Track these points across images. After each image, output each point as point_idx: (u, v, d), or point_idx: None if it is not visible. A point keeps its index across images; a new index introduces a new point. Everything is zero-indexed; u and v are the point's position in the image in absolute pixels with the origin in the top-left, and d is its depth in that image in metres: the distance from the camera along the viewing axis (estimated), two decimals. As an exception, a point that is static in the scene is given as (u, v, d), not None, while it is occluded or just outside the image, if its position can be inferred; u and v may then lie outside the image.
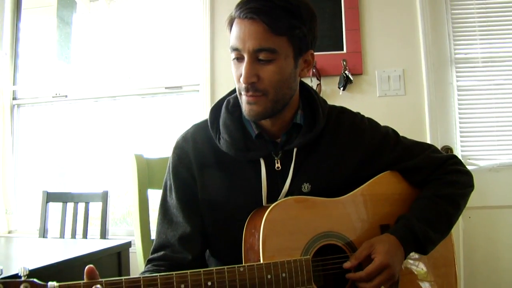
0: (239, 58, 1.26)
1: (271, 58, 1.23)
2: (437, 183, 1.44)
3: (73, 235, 2.91)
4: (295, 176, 1.35)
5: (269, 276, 1.13)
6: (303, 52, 1.30)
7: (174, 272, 1.04)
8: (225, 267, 1.09)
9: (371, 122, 1.51)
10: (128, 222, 3.53)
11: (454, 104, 2.95)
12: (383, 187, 1.43)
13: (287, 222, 1.24)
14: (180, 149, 1.42)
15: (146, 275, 1.04)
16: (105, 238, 2.80)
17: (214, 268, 1.08)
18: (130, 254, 2.31)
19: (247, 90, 1.25)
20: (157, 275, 1.02)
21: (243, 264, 1.19)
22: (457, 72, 2.97)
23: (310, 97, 1.45)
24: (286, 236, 1.22)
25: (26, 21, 3.77)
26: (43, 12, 3.87)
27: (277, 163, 1.36)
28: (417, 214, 1.36)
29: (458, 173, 1.47)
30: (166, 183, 1.44)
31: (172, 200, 1.40)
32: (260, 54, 1.22)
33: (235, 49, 1.25)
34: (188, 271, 1.05)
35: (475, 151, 2.92)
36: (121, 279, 1.00)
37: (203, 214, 1.39)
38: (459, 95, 2.95)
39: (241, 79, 1.24)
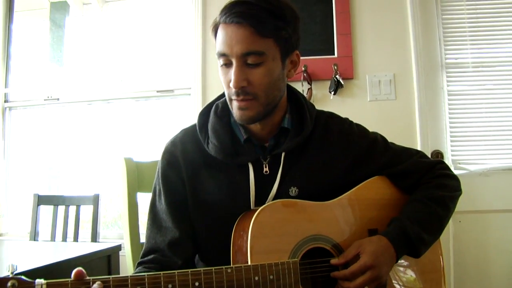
0: (227, 64, 1.26)
1: (260, 61, 1.24)
2: (426, 186, 1.45)
3: (64, 238, 2.90)
4: (283, 180, 1.36)
5: (256, 278, 1.13)
6: (289, 53, 1.32)
7: (161, 272, 1.04)
8: (213, 268, 1.09)
9: (360, 128, 1.52)
10: (119, 225, 3.53)
11: (445, 109, 2.96)
12: (372, 192, 1.44)
13: (276, 225, 1.24)
14: (169, 154, 1.42)
15: (134, 274, 1.04)
16: (96, 241, 2.79)
17: (202, 269, 1.08)
18: (120, 257, 2.31)
19: (237, 95, 1.26)
20: (144, 275, 1.02)
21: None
22: (447, 76, 2.99)
23: (298, 101, 1.46)
24: (274, 238, 1.23)
25: (19, 23, 3.76)
26: (36, 15, 3.86)
27: (265, 167, 1.37)
28: (410, 216, 1.36)
29: (446, 177, 1.48)
30: (155, 187, 1.45)
31: (161, 205, 1.40)
32: (248, 58, 1.23)
33: (222, 55, 1.26)
34: (176, 271, 1.05)
35: (465, 155, 2.94)
36: (109, 278, 1.00)
37: (192, 219, 1.39)
38: (449, 99, 2.97)
39: (231, 84, 1.24)
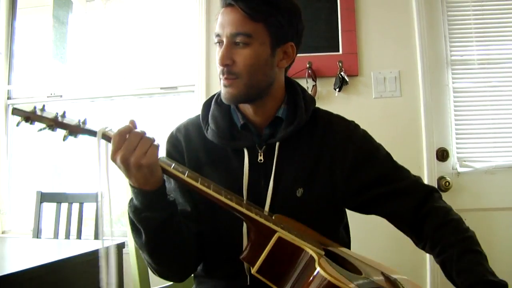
0: (220, 43, 1.35)
1: (247, 42, 1.31)
2: (449, 227, 1.35)
3: (67, 236, 2.90)
4: (278, 172, 1.37)
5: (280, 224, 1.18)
6: (281, 42, 1.37)
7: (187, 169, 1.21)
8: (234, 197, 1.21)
9: (365, 133, 1.53)
10: (123, 222, 3.51)
11: (450, 106, 2.95)
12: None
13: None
14: (174, 138, 1.52)
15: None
16: (99, 239, 2.78)
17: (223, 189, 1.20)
18: (124, 255, 2.29)
19: (223, 73, 1.34)
20: (173, 162, 1.22)
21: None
22: (453, 74, 2.97)
23: (295, 93, 1.49)
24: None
25: (22, 20, 3.75)
26: (39, 12, 3.85)
27: (260, 155, 1.39)
28: (484, 272, 1.27)
29: (451, 210, 1.42)
30: None
31: (170, 184, 1.42)
32: (236, 38, 1.31)
33: (216, 35, 1.35)
34: (199, 177, 1.20)
35: (471, 153, 2.92)
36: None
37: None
38: (455, 97, 2.95)
39: (217, 62, 1.34)
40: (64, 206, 2.96)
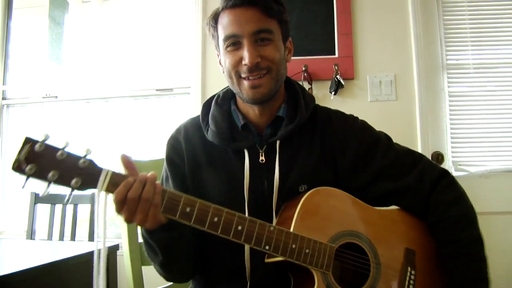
0: (235, 44, 1.33)
1: (270, 38, 1.33)
2: (447, 224, 1.34)
3: (61, 237, 2.88)
4: (281, 171, 1.36)
5: (293, 246, 1.19)
6: (286, 37, 1.43)
7: (212, 205, 1.13)
8: (258, 220, 1.17)
9: (364, 124, 1.51)
10: (117, 224, 3.50)
11: (445, 110, 2.95)
12: (406, 214, 1.42)
13: (324, 208, 1.29)
14: (174, 139, 1.49)
15: (188, 196, 1.13)
16: (93, 240, 2.76)
17: (248, 216, 1.17)
18: (118, 257, 2.28)
19: (251, 71, 1.32)
20: (197, 200, 1.12)
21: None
22: (448, 78, 2.98)
23: (295, 91, 1.49)
24: (319, 220, 1.27)
25: (17, 20, 3.74)
26: (35, 12, 3.84)
27: (261, 155, 1.39)
28: (465, 278, 1.29)
29: (457, 203, 1.38)
30: (162, 175, 1.49)
31: (169, 187, 1.42)
32: (260, 35, 1.31)
33: (231, 36, 1.32)
34: (225, 209, 1.14)
35: (466, 157, 2.92)
36: (166, 189, 1.12)
37: None
38: (450, 101, 2.96)
39: (245, 61, 1.30)
40: (58, 207, 2.95)
